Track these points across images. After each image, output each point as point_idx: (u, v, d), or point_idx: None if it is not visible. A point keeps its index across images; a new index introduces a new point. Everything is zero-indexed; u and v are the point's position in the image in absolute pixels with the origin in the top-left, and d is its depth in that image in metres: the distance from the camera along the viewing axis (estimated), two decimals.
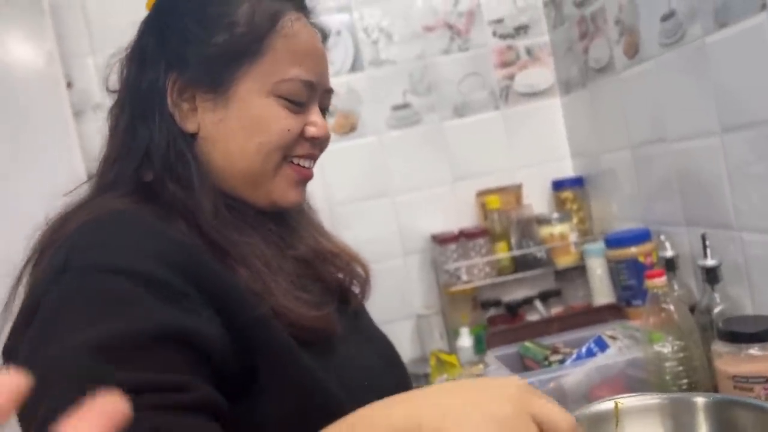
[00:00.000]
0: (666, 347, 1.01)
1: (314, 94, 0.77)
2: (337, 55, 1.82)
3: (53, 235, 0.67)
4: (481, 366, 1.37)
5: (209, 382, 0.57)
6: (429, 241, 1.84)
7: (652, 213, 1.48)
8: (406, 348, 1.81)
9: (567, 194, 1.82)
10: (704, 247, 1.14)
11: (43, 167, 1.54)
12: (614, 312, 1.42)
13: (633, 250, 1.40)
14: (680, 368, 1.00)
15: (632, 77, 1.46)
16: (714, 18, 1.12)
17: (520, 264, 1.76)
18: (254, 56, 0.73)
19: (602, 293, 1.58)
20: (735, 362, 0.89)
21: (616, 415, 0.71)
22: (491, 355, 1.29)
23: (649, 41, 1.35)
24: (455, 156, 1.88)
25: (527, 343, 1.29)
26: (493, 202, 1.79)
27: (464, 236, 1.75)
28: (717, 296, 1.12)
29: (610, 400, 0.72)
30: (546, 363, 1.22)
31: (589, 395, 1.06)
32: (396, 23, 1.86)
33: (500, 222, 1.76)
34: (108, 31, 1.71)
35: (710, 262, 1.12)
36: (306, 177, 0.79)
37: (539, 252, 1.73)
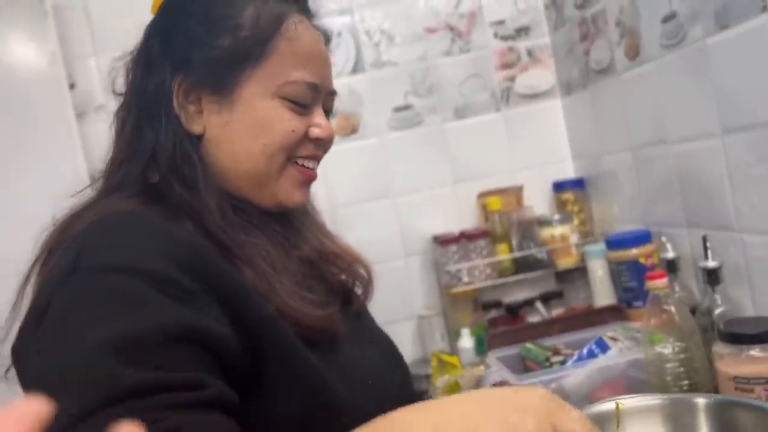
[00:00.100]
0: (667, 348, 1.01)
1: (318, 95, 0.78)
2: (339, 57, 1.82)
3: (61, 235, 0.68)
4: (482, 367, 1.37)
5: (221, 379, 0.58)
6: (430, 242, 1.84)
7: (653, 214, 1.49)
8: (407, 349, 1.81)
9: (568, 196, 1.82)
10: (705, 248, 1.14)
11: (46, 168, 1.54)
12: (615, 313, 1.42)
13: (634, 251, 1.40)
14: (681, 369, 1.00)
15: (633, 79, 1.46)
16: (715, 19, 1.12)
17: (521, 265, 1.76)
18: (259, 59, 0.74)
19: (603, 294, 1.58)
20: (736, 363, 0.89)
21: (617, 415, 0.71)
22: (492, 357, 1.29)
23: (650, 43, 1.36)
24: (456, 157, 1.88)
25: (528, 345, 1.29)
26: (494, 203, 1.79)
27: (465, 237, 1.75)
28: (718, 297, 1.12)
29: (611, 400, 0.72)
30: (547, 364, 1.22)
31: (590, 396, 1.06)
32: (397, 25, 1.86)
33: (501, 223, 1.76)
34: (110, 33, 1.72)
35: (711, 263, 1.13)
36: (310, 178, 0.79)
37: (540, 253, 1.74)
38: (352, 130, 1.85)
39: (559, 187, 1.85)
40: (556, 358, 1.22)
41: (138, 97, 0.76)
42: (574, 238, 1.73)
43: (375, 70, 1.86)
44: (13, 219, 1.50)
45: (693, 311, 1.12)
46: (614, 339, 1.17)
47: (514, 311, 1.80)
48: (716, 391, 0.95)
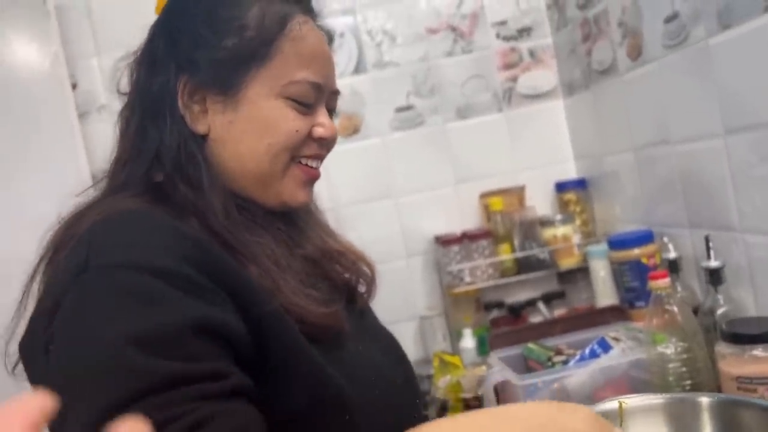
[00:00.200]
0: (669, 348, 1.01)
1: (321, 95, 0.79)
2: (341, 58, 1.83)
3: (66, 233, 0.68)
4: (484, 367, 1.37)
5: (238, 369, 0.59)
6: (432, 242, 1.84)
7: (655, 215, 1.48)
8: (409, 349, 1.79)
9: (570, 196, 1.82)
10: (708, 248, 1.14)
11: (48, 168, 1.55)
12: (617, 313, 1.42)
13: (636, 251, 1.40)
14: (683, 369, 1.00)
15: (635, 79, 1.46)
16: (717, 19, 1.12)
17: (523, 265, 1.76)
18: (263, 59, 0.74)
19: (605, 295, 1.58)
20: (738, 363, 0.89)
21: (620, 415, 0.71)
22: (494, 357, 1.29)
23: (652, 43, 1.35)
24: (458, 158, 1.88)
25: (530, 345, 1.29)
26: (496, 203, 1.79)
27: (467, 238, 1.75)
28: (720, 298, 1.12)
29: (614, 400, 0.72)
30: (549, 364, 1.22)
31: (593, 396, 1.06)
32: (399, 25, 1.86)
33: (503, 224, 1.76)
34: (113, 33, 1.73)
35: (713, 263, 1.13)
36: (314, 177, 0.80)
37: (542, 254, 1.74)
38: (354, 130, 1.85)
39: (561, 187, 1.85)
40: (558, 358, 1.22)
41: (142, 97, 0.76)
42: (576, 239, 1.73)
43: (377, 70, 1.86)
44: (15, 219, 1.50)
45: (695, 311, 1.12)
46: (616, 339, 1.17)
47: (516, 311, 1.79)
48: (719, 391, 0.95)
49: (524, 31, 1.90)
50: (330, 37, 0.83)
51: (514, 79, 1.90)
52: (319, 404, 0.65)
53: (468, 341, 1.66)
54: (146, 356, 0.53)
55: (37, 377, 0.65)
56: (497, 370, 1.22)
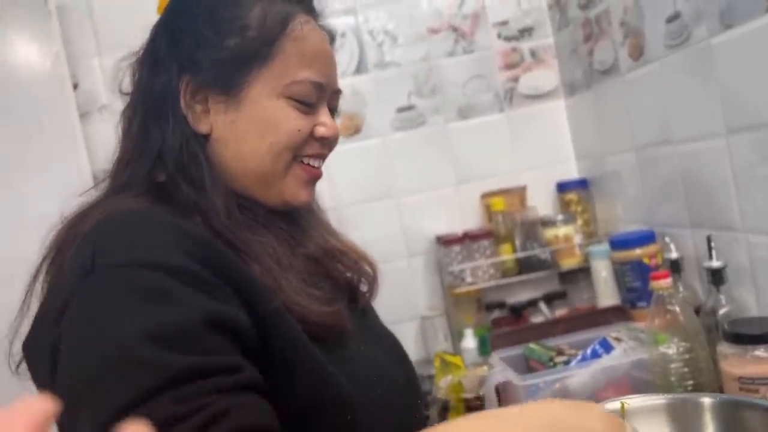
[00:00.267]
0: (671, 349, 1.01)
1: (323, 95, 0.79)
2: (342, 58, 1.83)
3: (68, 233, 0.69)
4: (485, 367, 1.37)
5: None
6: (433, 242, 1.84)
7: (656, 215, 1.48)
8: (410, 349, 1.78)
9: (571, 196, 1.82)
10: (709, 248, 1.14)
11: (50, 168, 1.55)
12: (619, 313, 1.42)
13: (638, 251, 1.40)
14: (685, 370, 1.00)
15: (637, 79, 1.46)
16: (719, 19, 1.12)
17: (525, 266, 1.76)
18: (265, 59, 0.74)
19: (607, 295, 1.58)
20: (741, 364, 0.89)
21: (622, 415, 0.71)
22: (496, 357, 1.29)
23: (654, 43, 1.35)
24: (460, 158, 1.88)
25: (532, 345, 1.29)
26: (498, 203, 1.79)
27: (469, 238, 1.75)
28: (722, 298, 1.12)
29: (616, 400, 0.72)
30: (551, 364, 1.22)
31: (595, 397, 1.06)
32: (401, 25, 1.86)
33: (505, 224, 1.76)
34: (114, 33, 1.73)
35: (715, 263, 1.12)
36: (315, 176, 0.80)
37: (544, 254, 1.73)
38: (355, 130, 1.85)
39: (562, 187, 1.85)
40: (559, 359, 1.22)
41: (145, 97, 0.76)
42: (577, 239, 1.73)
43: (378, 70, 1.86)
44: (16, 219, 1.50)
45: (697, 311, 1.11)
46: (618, 339, 1.16)
47: (517, 311, 1.79)
48: (721, 391, 0.95)
49: (525, 31, 1.90)
50: (331, 36, 0.83)
51: (516, 79, 1.90)
52: (321, 403, 0.65)
53: (469, 341, 1.66)
54: (161, 351, 0.53)
55: (41, 377, 0.65)
56: (498, 370, 1.21)
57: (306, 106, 0.76)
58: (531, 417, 0.52)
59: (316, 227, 0.85)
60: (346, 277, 0.83)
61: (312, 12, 0.81)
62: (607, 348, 1.15)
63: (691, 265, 1.34)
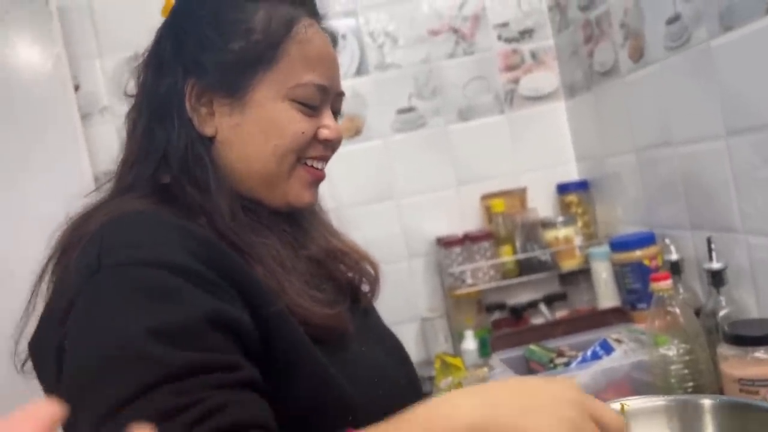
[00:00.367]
0: (671, 350, 1.01)
1: (327, 97, 0.79)
2: (343, 59, 1.83)
3: (73, 234, 0.69)
4: (485, 369, 1.37)
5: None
6: (434, 244, 1.84)
7: (657, 216, 1.48)
8: (410, 350, 1.78)
9: (572, 198, 1.82)
10: (710, 250, 1.14)
11: (51, 169, 1.55)
12: (619, 315, 1.42)
13: (638, 253, 1.40)
14: (686, 371, 1.00)
15: (637, 81, 1.46)
16: (719, 21, 1.12)
17: (525, 267, 1.76)
18: (270, 62, 0.75)
19: (607, 296, 1.58)
20: (741, 365, 0.89)
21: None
22: (496, 358, 1.29)
23: (654, 45, 1.36)
24: (460, 159, 1.88)
25: (532, 346, 1.29)
26: (498, 205, 1.79)
27: (469, 239, 1.75)
28: (722, 299, 1.12)
29: (616, 402, 0.72)
30: (551, 366, 1.22)
31: (595, 398, 1.06)
32: (401, 27, 1.86)
33: (505, 225, 1.76)
34: (115, 35, 1.73)
35: (716, 265, 1.12)
36: (319, 178, 0.81)
37: (544, 255, 1.74)
38: (356, 132, 1.85)
39: (563, 189, 1.85)
40: (560, 360, 1.22)
41: (149, 100, 0.77)
42: (578, 240, 1.73)
43: (379, 72, 1.86)
44: (18, 219, 1.51)
45: (697, 313, 1.11)
46: (618, 341, 1.16)
47: (517, 313, 1.79)
48: (721, 393, 0.95)
49: (526, 33, 1.90)
50: (334, 39, 0.84)
51: (516, 81, 1.90)
52: (323, 404, 0.66)
53: (470, 343, 1.66)
54: (163, 347, 0.54)
55: (46, 376, 0.65)
56: (499, 371, 1.21)
57: (310, 108, 0.77)
58: (510, 386, 0.54)
59: (318, 229, 0.86)
60: (348, 277, 0.84)
61: (316, 15, 0.81)
62: (608, 349, 1.15)
63: (692, 266, 1.34)
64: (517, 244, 1.76)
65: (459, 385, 1.34)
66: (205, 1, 0.76)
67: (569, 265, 1.73)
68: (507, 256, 1.75)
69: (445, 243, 1.76)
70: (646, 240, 1.41)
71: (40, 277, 0.71)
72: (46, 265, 0.71)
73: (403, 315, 1.81)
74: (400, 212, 1.86)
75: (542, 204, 1.87)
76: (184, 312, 0.57)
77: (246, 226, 0.73)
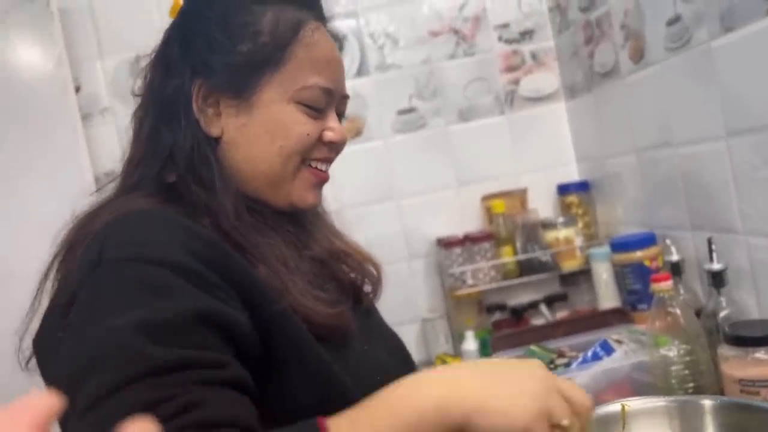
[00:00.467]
0: (672, 351, 1.01)
1: (332, 100, 0.80)
2: (344, 60, 1.83)
3: (79, 232, 0.70)
4: None
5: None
6: (434, 244, 1.85)
7: (657, 217, 1.48)
8: (411, 351, 1.79)
9: (572, 198, 1.82)
10: (710, 251, 1.14)
11: (52, 170, 1.55)
12: (620, 316, 1.42)
13: (639, 254, 1.40)
14: (686, 372, 1.00)
15: (638, 82, 1.46)
16: (720, 22, 1.12)
17: (526, 268, 1.76)
18: (277, 65, 0.75)
19: (608, 297, 1.58)
20: (741, 366, 0.89)
21: (623, 417, 0.71)
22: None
23: (654, 46, 1.36)
24: (460, 160, 1.88)
25: (533, 347, 1.29)
26: (499, 206, 1.79)
27: (469, 240, 1.75)
28: (723, 300, 1.12)
29: (617, 402, 0.72)
30: (552, 367, 1.21)
31: (595, 399, 1.06)
32: (402, 28, 1.86)
33: (505, 226, 1.76)
34: (116, 36, 1.73)
35: (716, 266, 1.12)
36: (323, 179, 0.82)
37: (544, 256, 1.74)
38: (356, 132, 1.85)
39: (563, 189, 1.85)
40: (560, 361, 1.22)
41: (156, 100, 0.78)
42: (578, 241, 1.73)
43: (379, 73, 1.86)
44: (19, 220, 1.51)
45: (698, 314, 1.11)
46: (619, 341, 1.16)
47: (518, 314, 1.79)
48: (721, 394, 0.95)
49: (526, 34, 1.90)
50: (340, 42, 0.84)
51: (516, 82, 1.90)
52: (325, 403, 0.66)
53: (470, 343, 1.66)
54: (149, 342, 0.54)
55: (49, 372, 0.66)
56: None
57: (315, 110, 0.78)
58: (475, 364, 0.57)
59: (321, 229, 0.86)
60: (350, 278, 0.84)
61: (322, 18, 0.82)
62: (608, 350, 1.15)
63: (692, 267, 1.34)
64: (518, 244, 1.76)
65: None
66: (214, 3, 0.77)
67: (570, 265, 1.73)
68: (507, 257, 1.75)
69: (445, 244, 1.76)
70: (646, 241, 1.41)
71: (46, 275, 0.72)
72: (52, 263, 0.72)
73: (403, 316, 1.81)
74: (401, 213, 1.86)
75: (543, 205, 1.87)
76: (174, 308, 0.57)
77: (250, 226, 0.73)
